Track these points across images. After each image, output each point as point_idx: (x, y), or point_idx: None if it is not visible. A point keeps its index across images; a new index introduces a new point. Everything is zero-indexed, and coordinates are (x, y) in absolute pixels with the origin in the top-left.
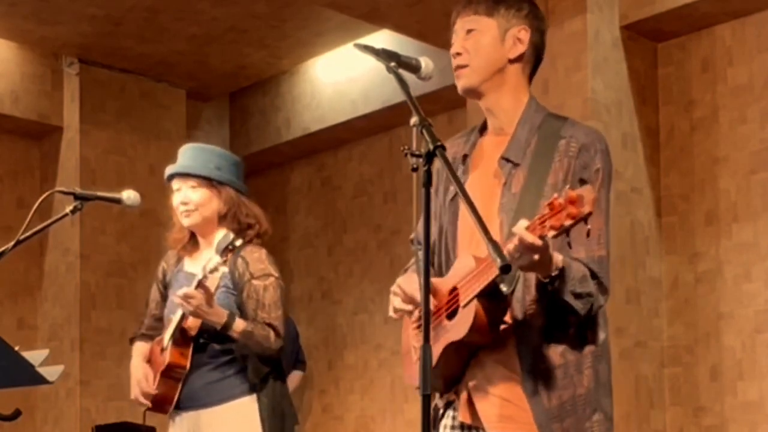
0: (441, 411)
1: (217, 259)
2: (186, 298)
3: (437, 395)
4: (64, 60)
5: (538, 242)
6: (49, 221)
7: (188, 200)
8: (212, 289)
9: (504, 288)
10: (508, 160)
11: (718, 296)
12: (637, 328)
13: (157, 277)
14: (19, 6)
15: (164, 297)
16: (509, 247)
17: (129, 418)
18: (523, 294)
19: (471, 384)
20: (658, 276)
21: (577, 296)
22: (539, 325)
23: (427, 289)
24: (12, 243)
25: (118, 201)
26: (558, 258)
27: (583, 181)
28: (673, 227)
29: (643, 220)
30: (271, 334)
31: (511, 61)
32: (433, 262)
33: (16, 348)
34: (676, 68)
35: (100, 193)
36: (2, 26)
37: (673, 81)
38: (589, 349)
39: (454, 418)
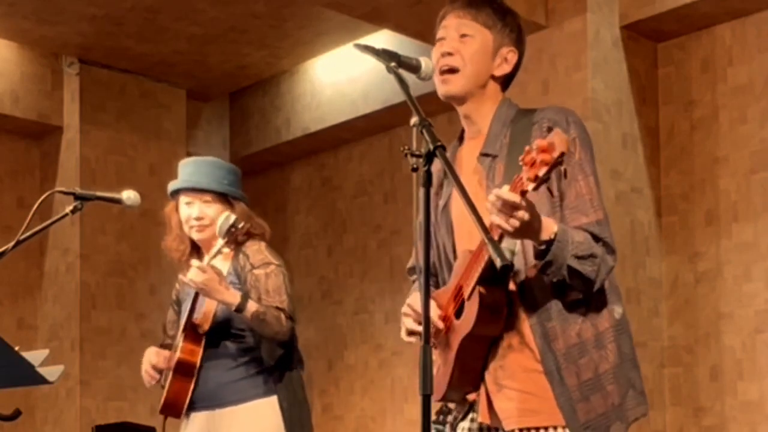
0: (461, 414)
1: (221, 241)
2: (199, 269)
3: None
4: (64, 60)
5: (517, 198)
6: (49, 221)
7: (203, 215)
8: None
9: (498, 262)
10: (486, 155)
11: (718, 296)
12: (637, 328)
13: (172, 299)
14: (19, 6)
15: (179, 316)
16: (492, 211)
17: (129, 418)
18: (526, 273)
19: (489, 381)
20: (658, 276)
21: (581, 258)
22: (550, 305)
23: (428, 290)
24: (12, 243)
25: (118, 201)
26: (551, 222)
27: (550, 129)
28: (673, 227)
29: (643, 220)
30: (282, 315)
31: (494, 78)
32: (437, 282)
33: (16, 348)
34: (676, 68)
35: (100, 193)
36: (2, 26)
37: (673, 81)
38: (607, 323)
39: (473, 420)
